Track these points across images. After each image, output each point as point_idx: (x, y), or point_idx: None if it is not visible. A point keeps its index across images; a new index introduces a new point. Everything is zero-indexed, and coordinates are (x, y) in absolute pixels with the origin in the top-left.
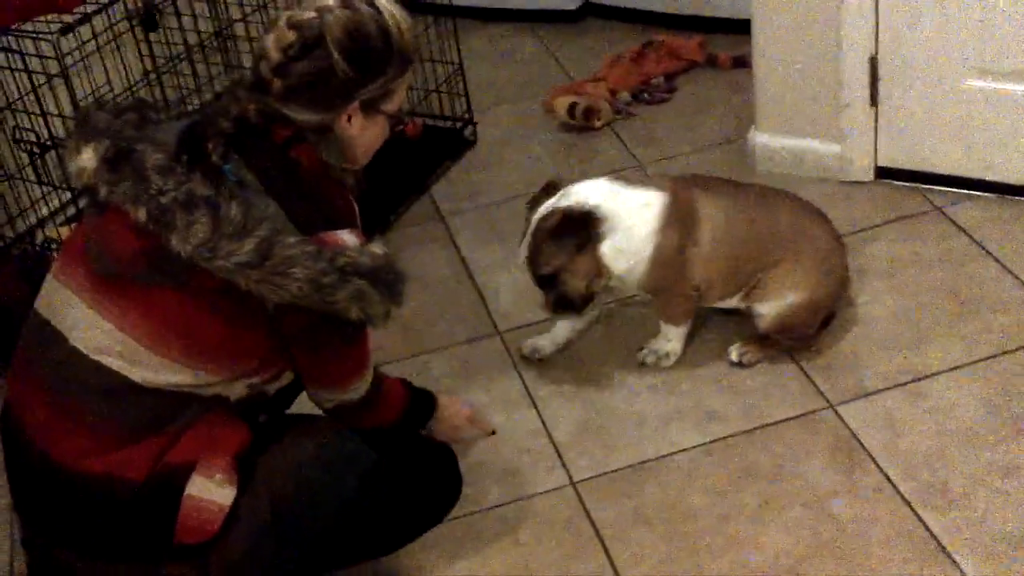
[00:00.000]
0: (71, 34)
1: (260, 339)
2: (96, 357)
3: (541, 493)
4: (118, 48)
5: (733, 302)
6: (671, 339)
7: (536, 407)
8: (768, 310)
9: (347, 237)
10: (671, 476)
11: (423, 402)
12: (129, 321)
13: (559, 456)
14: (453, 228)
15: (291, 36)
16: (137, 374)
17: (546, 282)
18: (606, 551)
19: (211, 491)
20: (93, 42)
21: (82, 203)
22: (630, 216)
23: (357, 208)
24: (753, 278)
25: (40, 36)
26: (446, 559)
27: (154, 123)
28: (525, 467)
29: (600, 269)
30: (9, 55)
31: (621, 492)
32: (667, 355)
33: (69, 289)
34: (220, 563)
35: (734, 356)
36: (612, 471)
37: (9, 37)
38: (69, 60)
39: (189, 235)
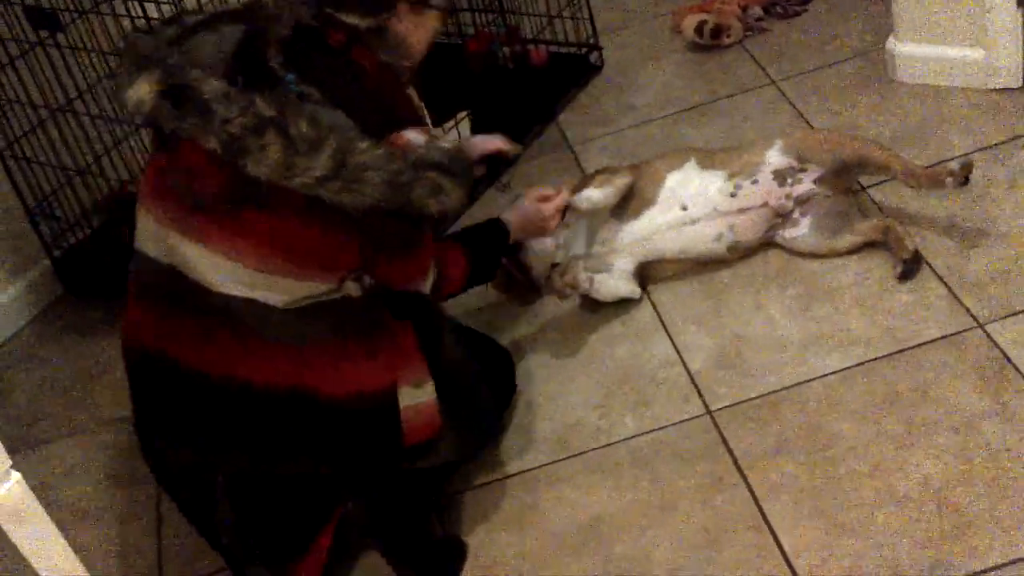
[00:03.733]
0: None
1: (356, 242)
2: (220, 290)
3: (677, 423)
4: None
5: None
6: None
7: (670, 335)
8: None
9: (413, 136)
10: (811, 403)
11: (491, 246)
12: (235, 248)
13: (695, 385)
14: (581, 157)
15: None
16: (260, 295)
17: None
18: (745, 481)
19: (418, 395)
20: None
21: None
22: None
23: (422, 104)
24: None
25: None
26: (582, 492)
27: (191, 31)
28: (660, 397)
29: None
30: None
31: (760, 420)
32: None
33: (173, 229)
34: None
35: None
36: (750, 399)
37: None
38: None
39: (263, 158)
